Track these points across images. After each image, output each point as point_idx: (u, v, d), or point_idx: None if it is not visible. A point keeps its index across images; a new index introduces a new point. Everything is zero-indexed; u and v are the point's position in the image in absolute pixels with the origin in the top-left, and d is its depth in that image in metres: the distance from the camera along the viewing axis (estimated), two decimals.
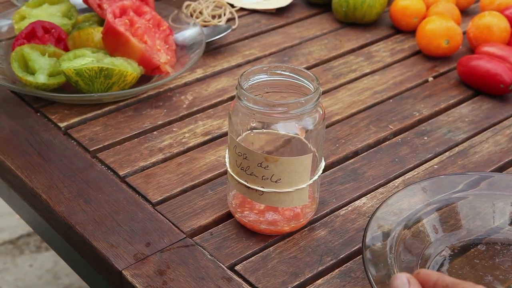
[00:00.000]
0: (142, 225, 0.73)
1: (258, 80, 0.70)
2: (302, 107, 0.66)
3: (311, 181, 0.70)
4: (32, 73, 0.93)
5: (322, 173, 0.73)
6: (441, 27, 1.06)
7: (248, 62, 1.06)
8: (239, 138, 0.69)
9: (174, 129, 0.90)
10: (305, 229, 0.74)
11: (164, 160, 0.84)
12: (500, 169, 0.85)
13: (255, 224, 0.72)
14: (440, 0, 1.17)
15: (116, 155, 0.84)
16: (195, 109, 0.94)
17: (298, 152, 0.69)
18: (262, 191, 0.69)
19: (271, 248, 0.71)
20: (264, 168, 0.67)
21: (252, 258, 0.70)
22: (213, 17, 1.18)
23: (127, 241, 0.71)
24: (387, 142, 0.89)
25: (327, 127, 0.90)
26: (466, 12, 1.23)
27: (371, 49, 1.12)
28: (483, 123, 0.94)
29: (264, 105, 0.66)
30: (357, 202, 0.78)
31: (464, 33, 1.13)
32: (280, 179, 0.68)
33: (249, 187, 0.69)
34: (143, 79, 0.96)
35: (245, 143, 0.69)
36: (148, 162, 0.83)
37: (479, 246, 0.71)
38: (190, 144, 0.87)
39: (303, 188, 0.69)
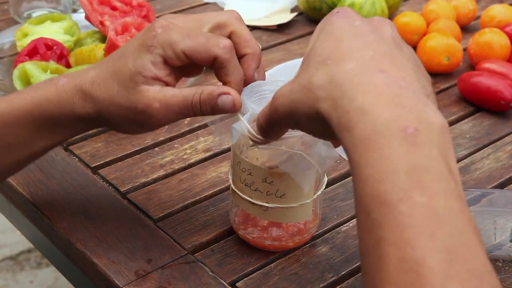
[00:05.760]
0: (143, 242, 0.73)
1: (261, 95, 0.70)
2: None
3: (314, 196, 0.70)
4: None
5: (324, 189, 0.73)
6: (441, 43, 1.07)
7: None
8: (243, 154, 0.69)
9: (175, 146, 0.90)
10: (307, 245, 0.74)
11: (166, 176, 0.84)
12: (501, 186, 0.85)
13: (259, 240, 0.72)
14: (441, 17, 1.18)
15: (118, 172, 0.84)
16: (196, 125, 0.94)
17: (301, 167, 0.69)
18: (267, 207, 0.69)
19: (272, 265, 0.71)
20: (269, 183, 0.67)
21: (254, 274, 0.70)
22: None
23: (128, 258, 0.71)
24: None
25: None
26: (466, 29, 1.24)
27: None
28: (484, 139, 0.94)
29: None
30: None
31: (465, 49, 1.13)
32: (284, 194, 0.68)
33: (253, 203, 0.69)
34: None
35: (249, 159, 0.69)
36: (150, 179, 0.83)
37: None
38: (192, 161, 0.87)
39: (307, 203, 0.69)
